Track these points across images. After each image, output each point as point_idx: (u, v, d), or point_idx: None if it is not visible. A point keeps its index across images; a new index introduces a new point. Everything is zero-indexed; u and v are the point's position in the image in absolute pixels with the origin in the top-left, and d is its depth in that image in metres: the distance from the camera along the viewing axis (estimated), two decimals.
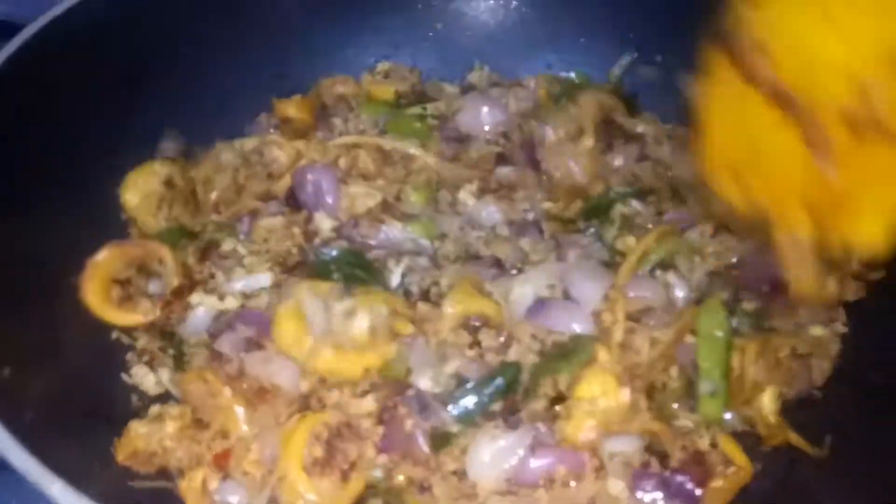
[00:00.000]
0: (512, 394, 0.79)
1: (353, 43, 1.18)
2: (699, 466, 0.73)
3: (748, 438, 0.79)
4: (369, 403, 0.77)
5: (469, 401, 0.77)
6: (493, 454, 0.75)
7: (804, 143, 0.59)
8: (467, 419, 0.77)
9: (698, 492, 0.72)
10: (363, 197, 0.97)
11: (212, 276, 0.90)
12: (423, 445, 0.76)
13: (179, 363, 0.85)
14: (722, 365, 0.78)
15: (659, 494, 0.72)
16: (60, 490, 0.55)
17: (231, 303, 0.88)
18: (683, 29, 1.02)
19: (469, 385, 0.79)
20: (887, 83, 0.55)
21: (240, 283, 0.88)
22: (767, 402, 0.78)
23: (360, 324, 0.79)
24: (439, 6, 1.19)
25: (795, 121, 0.60)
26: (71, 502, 0.55)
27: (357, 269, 0.89)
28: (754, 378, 0.79)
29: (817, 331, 0.84)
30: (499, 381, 0.78)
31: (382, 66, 1.19)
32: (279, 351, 0.80)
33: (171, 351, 0.86)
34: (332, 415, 0.77)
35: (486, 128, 1.08)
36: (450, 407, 0.77)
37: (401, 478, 0.76)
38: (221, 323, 0.85)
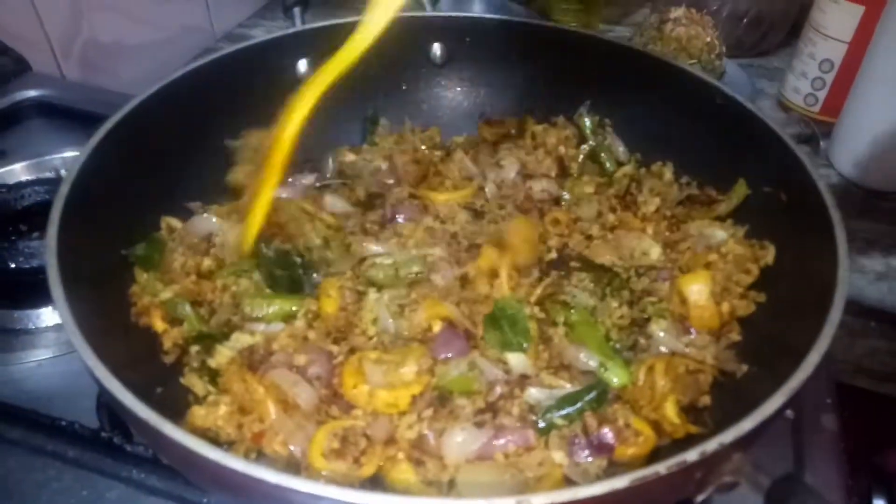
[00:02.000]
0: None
1: (356, 120, 1.49)
2: (610, 423, 0.97)
3: None
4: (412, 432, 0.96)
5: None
6: (464, 437, 0.95)
7: None
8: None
9: (613, 441, 0.95)
10: None
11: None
12: (433, 441, 0.94)
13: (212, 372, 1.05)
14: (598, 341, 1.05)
15: (587, 452, 0.94)
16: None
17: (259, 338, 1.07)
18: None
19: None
20: None
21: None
22: (670, 408, 0.99)
23: (409, 370, 1.00)
24: (423, 91, 1.51)
25: None
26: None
27: None
28: (662, 390, 1.00)
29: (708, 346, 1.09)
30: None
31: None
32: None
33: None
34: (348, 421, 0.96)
35: None
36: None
37: (401, 455, 0.95)
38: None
